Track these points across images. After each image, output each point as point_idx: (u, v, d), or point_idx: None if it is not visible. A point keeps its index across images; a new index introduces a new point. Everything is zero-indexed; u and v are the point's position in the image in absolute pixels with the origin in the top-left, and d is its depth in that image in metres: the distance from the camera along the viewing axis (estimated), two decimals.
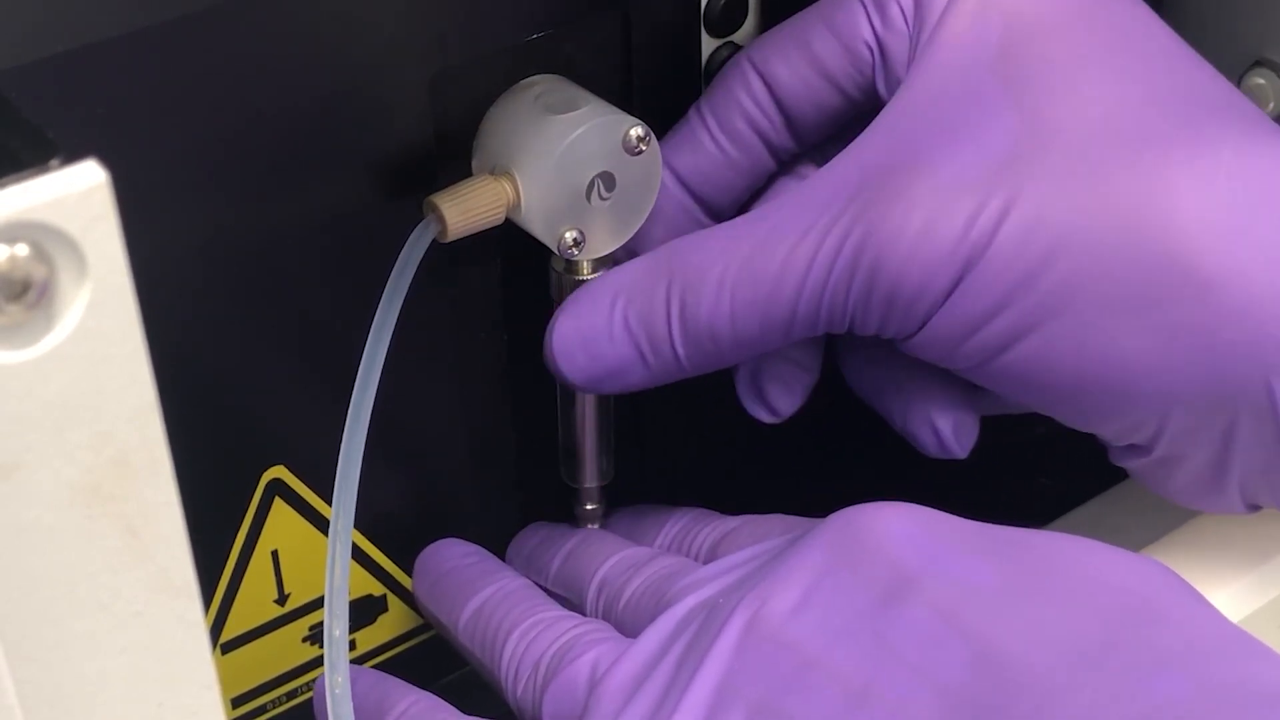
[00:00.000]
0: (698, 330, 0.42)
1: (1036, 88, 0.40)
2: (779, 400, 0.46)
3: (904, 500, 0.39)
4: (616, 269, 0.44)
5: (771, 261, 0.41)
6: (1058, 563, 0.36)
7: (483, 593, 0.46)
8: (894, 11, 0.42)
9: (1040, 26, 0.41)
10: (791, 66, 0.44)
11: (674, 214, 0.45)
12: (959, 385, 0.45)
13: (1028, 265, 0.39)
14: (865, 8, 0.43)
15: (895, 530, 0.38)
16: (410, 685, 0.44)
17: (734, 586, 0.40)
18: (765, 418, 0.47)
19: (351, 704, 0.39)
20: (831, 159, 0.45)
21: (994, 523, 0.38)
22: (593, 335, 0.43)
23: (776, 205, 0.42)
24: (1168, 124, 0.40)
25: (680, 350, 0.43)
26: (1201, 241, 0.39)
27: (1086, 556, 0.37)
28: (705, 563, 0.45)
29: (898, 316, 0.41)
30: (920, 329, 0.41)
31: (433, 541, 0.48)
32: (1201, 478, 0.43)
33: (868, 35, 0.43)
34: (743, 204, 0.46)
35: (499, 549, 0.49)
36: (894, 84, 0.43)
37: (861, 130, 0.43)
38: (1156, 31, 0.42)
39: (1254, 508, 0.45)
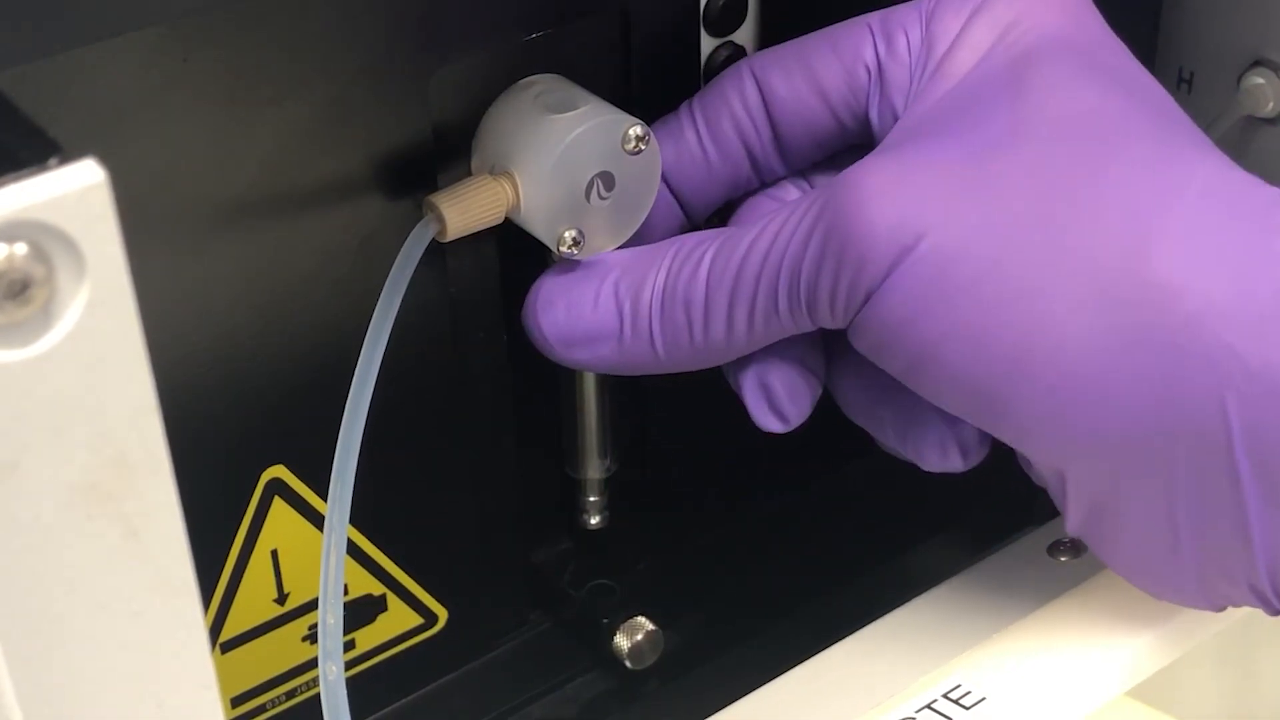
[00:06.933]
0: (674, 299, 0.43)
1: (1031, 100, 0.40)
2: (788, 406, 0.45)
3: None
4: (619, 251, 0.44)
5: (750, 232, 0.42)
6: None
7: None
8: (900, 41, 0.43)
9: (1043, 54, 0.41)
10: (789, 79, 0.44)
11: (657, 205, 0.45)
12: None
13: (981, 257, 0.39)
14: (872, 33, 0.43)
15: None
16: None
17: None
18: (775, 426, 0.45)
19: (345, 691, 0.39)
20: (815, 180, 0.45)
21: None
22: (579, 296, 0.43)
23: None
24: (1147, 138, 0.40)
25: (655, 324, 0.43)
26: (1166, 248, 0.38)
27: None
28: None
29: (844, 289, 0.40)
30: (860, 309, 0.40)
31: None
32: (1146, 536, 0.41)
33: (869, 59, 0.43)
34: (717, 209, 0.46)
35: (499, 549, 0.49)
36: (887, 111, 0.43)
37: (847, 158, 0.43)
38: (1134, 65, 0.43)
39: (1220, 607, 0.43)
